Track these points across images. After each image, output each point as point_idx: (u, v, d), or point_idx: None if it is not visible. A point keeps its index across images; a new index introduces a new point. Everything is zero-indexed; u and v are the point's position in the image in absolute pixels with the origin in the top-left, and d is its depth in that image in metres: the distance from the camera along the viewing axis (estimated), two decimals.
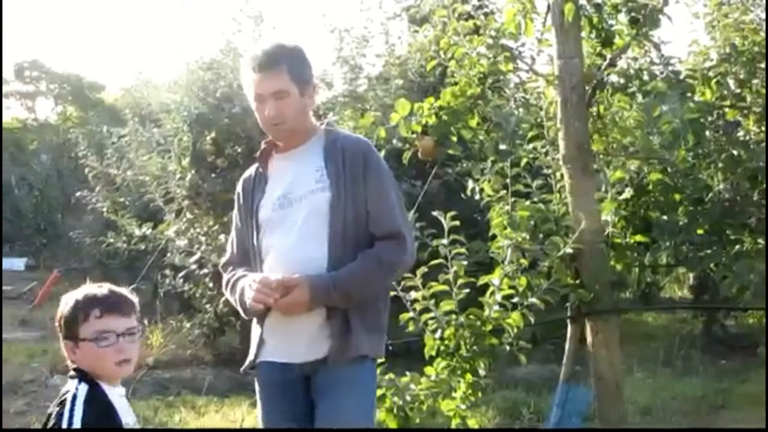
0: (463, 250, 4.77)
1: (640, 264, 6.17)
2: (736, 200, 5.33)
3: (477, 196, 5.42)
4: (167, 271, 9.46)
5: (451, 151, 5.83)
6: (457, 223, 4.74)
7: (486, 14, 6.41)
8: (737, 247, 5.23)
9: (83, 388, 2.61)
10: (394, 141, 6.01)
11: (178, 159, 9.40)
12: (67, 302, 2.72)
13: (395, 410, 4.38)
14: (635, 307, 9.96)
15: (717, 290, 5.72)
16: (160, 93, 10.99)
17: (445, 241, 4.72)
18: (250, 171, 3.44)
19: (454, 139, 5.98)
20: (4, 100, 25.67)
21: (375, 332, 3.26)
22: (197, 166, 9.35)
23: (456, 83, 5.91)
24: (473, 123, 5.96)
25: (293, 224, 3.15)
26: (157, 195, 9.33)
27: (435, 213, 4.77)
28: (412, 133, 5.86)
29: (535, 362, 7.32)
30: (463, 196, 5.88)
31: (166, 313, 9.96)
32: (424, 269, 4.70)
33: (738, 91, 5.72)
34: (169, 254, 9.32)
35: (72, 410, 2.53)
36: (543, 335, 7.38)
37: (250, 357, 3.45)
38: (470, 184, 5.49)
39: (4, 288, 13.19)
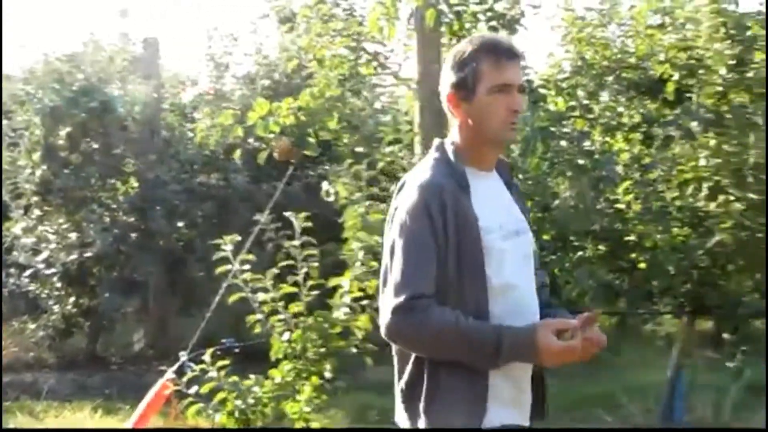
0: (315, 252, 4.72)
1: None
2: (579, 208, 5.50)
3: (332, 198, 5.39)
4: (12, 270, 9.07)
5: (308, 153, 5.81)
6: (310, 224, 4.69)
7: (348, 17, 6.44)
8: (579, 253, 5.41)
9: None
10: (251, 140, 5.94)
11: (28, 153, 9.03)
12: None
13: (237, 413, 4.30)
14: None
15: (559, 295, 5.88)
16: (13, 84, 10.51)
17: (296, 242, 4.66)
18: (443, 178, 2.43)
19: (312, 140, 5.97)
20: None
21: None
22: (49, 161, 8.99)
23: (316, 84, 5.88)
24: (332, 125, 5.95)
25: (519, 260, 2.49)
26: (5, 190, 8.94)
27: (287, 214, 4.71)
28: (270, 133, 5.78)
29: (390, 364, 7.33)
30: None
31: (9, 314, 9.52)
32: (274, 271, 4.64)
33: (587, 102, 5.91)
34: (14, 252, 8.94)
35: None
36: None
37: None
38: (325, 186, 5.46)
39: None
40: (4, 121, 9.52)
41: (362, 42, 6.18)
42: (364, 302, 4.65)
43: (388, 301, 2.37)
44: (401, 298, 2.34)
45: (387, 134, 6.02)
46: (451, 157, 2.45)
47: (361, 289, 4.66)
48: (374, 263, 4.78)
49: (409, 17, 5.95)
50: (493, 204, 2.46)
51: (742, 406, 6.38)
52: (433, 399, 2.39)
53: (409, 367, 2.42)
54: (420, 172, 2.47)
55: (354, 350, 4.58)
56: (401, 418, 2.45)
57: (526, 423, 2.46)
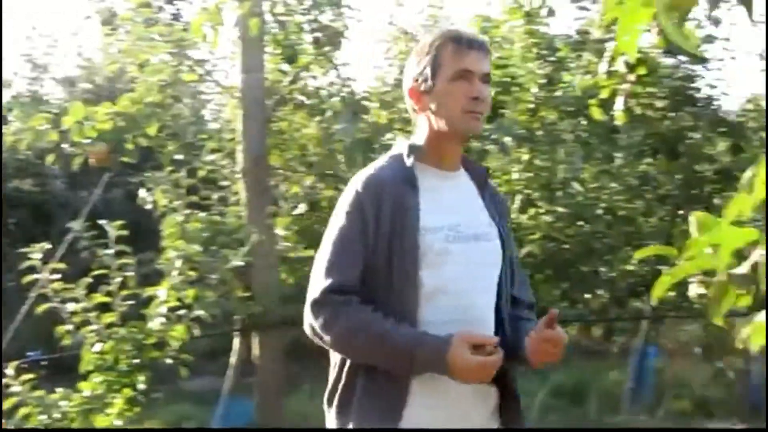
0: (130, 261, 4.60)
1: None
2: None
3: (149, 206, 5.27)
4: None
5: (125, 159, 5.67)
6: (126, 232, 4.56)
7: (173, 21, 6.33)
8: None
9: None
10: (65, 146, 5.72)
11: None
12: None
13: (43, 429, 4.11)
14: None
15: None
16: None
17: (110, 251, 4.51)
18: (386, 174, 2.35)
19: (131, 146, 5.82)
20: None
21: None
22: None
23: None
24: (152, 131, 5.82)
25: (468, 266, 2.35)
26: None
27: (101, 222, 4.56)
28: (87, 138, 5.59)
29: (212, 375, 7.25)
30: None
31: None
32: (88, 280, 4.48)
33: (407, 115, 6.03)
34: None
35: None
36: (222, 348, 7.33)
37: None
38: (142, 193, 5.33)
39: None
40: None
41: (186, 48, 6.07)
42: (181, 312, 4.56)
43: (307, 295, 2.28)
44: (316, 293, 2.25)
45: (208, 142, 5.94)
46: (405, 153, 2.34)
47: (178, 299, 4.57)
48: (192, 272, 4.71)
49: (234, 25, 5.89)
50: (447, 204, 2.36)
51: (549, 409, 6.70)
52: (348, 403, 2.29)
53: (332, 370, 2.32)
54: (368, 168, 2.38)
55: (169, 361, 4.49)
56: (329, 424, 2.32)
57: None
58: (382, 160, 2.39)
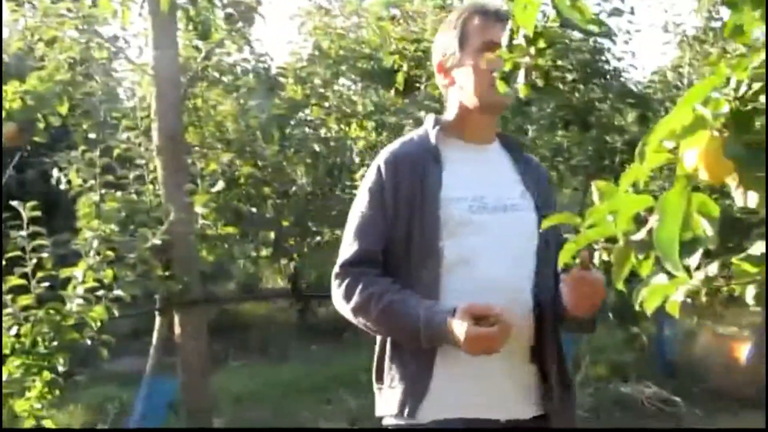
0: (45, 242, 4.53)
1: (244, 255, 6.35)
2: (317, 194, 5.65)
3: (63, 186, 5.19)
4: None
5: (37, 138, 5.56)
6: (39, 213, 4.49)
7: None
8: (318, 238, 5.57)
9: None
10: None
11: None
12: None
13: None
14: (225, 298, 10.08)
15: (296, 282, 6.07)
16: None
17: (23, 232, 4.43)
18: (408, 149, 2.36)
19: (42, 125, 5.70)
20: None
21: None
22: None
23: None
24: (63, 110, 5.71)
25: (494, 237, 2.27)
26: None
27: (13, 203, 4.48)
28: None
29: (136, 355, 7.19)
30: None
31: None
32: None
33: (323, 90, 6.06)
34: None
35: None
36: (145, 328, 7.28)
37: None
38: (56, 173, 5.24)
39: None
40: None
41: (95, 25, 5.96)
42: (100, 292, 4.53)
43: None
44: (336, 267, 2.28)
45: (122, 120, 5.86)
46: (430, 127, 2.36)
47: (96, 279, 4.53)
48: (110, 252, 4.67)
49: (142, 0, 5.80)
50: (472, 176, 2.34)
51: None
52: (381, 378, 2.32)
53: (376, 345, 2.35)
54: (393, 143, 2.41)
55: (89, 342, 4.45)
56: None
57: (502, 416, 2.24)
58: (409, 135, 2.43)
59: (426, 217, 2.25)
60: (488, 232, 2.25)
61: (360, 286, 2.22)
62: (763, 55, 1.12)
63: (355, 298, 2.22)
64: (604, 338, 7.00)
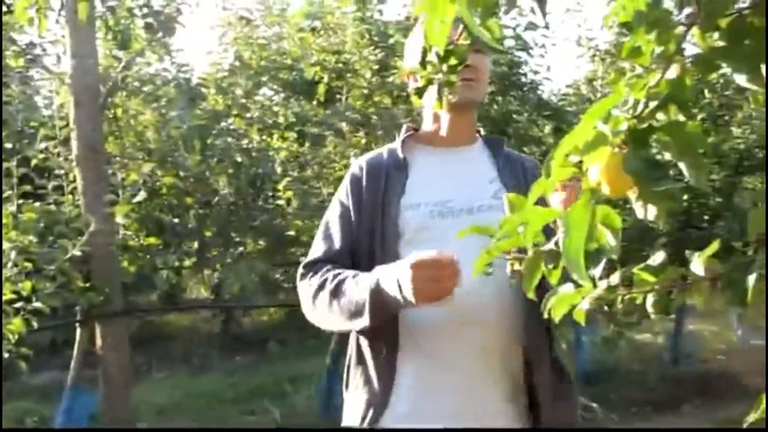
0: None
1: (166, 265, 6.29)
2: (240, 204, 5.63)
3: None
4: None
5: None
6: None
7: None
8: (240, 248, 5.55)
9: None
10: None
11: None
12: None
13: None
14: (147, 309, 9.89)
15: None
16: None
17: None
18: (378, 157, 2.37)
19: None
20: None
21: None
22: None
23: None
24: None
25: (458, 240, 1.95)
26: None
27: None
28: None
29: (56, 369, 7.06)
30: None
31: None
32: None
33: (244, 101, 6.05)
34: None
35: None
36: (65, 340, 7.14)
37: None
38: None
39: None
40: None
41: (11, 33, 5.85)
42: (18, 305, 4.44)
43: None
44: (300, 267, 2.25)
45: (40, 130, 5.75)
46: (399, 136, 2.36)
47: (14, 291, 4.44)
48: (28, 264, 4.58)
49: (60, 9, 5.72)
50: (440, 180, 2.29)
51: None
52: (348, 384, 2.26)
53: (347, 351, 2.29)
54: (369, 153, 2.40)
55: (7, 355, 4.36)
56: None
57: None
58: (387, 146, 2.41)
59: (386, 226, 2.22)
60: (449, 236, 2.07)
61: (318, 274, 2.19)
62: (658, 75, 1.18)
63: (313, 284, 2.19)
64: None
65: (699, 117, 6.42)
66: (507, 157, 2.39)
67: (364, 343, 2.21)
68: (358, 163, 2.36)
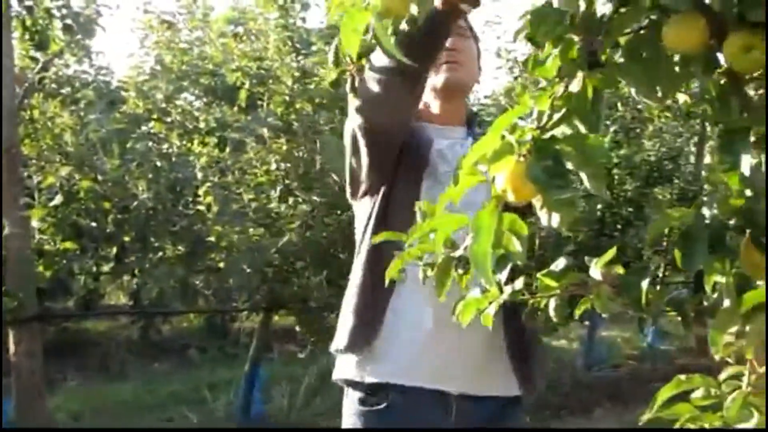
0: None
1: (83, 270, 6.17)
2: (159, 209, 5.55)
3: None
4: None
5: None
6: None
7: None
8: (160, 253, 5.47)
9: None
10: None
11: None
12: None
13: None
14: (63, 315, 9.65)
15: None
16: None
17: None
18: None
19: None
20: None
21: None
22: None
23: None
24: None
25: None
26: None
27: None
28: None
29: None
30: None
31: None
32: None
33: (165, 105, 5.98)
34: None
35: None
36: None
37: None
38: None
39: None
40: None
41: None
42: None
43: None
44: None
45: None
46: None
47: None
48: None
49: None
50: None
51: (313, 393, 6.86)
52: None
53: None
54: None
55: None
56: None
57: (452, 389, 2.15)
58: None
59: (425, 149, 2.29)
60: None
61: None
62: (561, 88, 1.23)
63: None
64: None
65: (612, 129, 6.59)
66: (477, 131, 2.40)
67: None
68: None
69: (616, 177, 6.75)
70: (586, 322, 7.75)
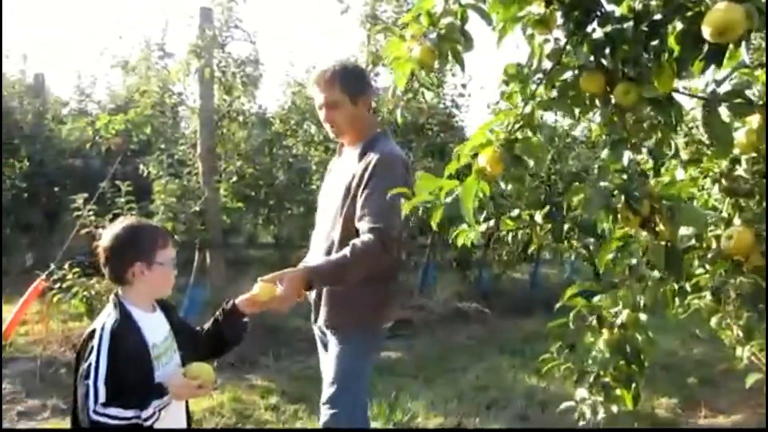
0: None
1: (247, 220, 6.09)
2: (289, 186, 5.48)
3: None
4: None
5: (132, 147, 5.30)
6: None
7: (161, 70, 5.93)
8: (290, 212, 5.41)
9: (114, 316, 1.60)
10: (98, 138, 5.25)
11: None
12: (132, 230, 1.65)
13: (84, 299, 3.75)
14: (236, 244, 9.38)
15: None
16: None
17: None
18: None
19: (135, 140, 5.46)
20: None
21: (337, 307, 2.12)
22: None
23: None
24: (147, 131, 5.47)
25: (325, 213, 2.13)
26: None
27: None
28: (109, 134, 5.16)
29: None
30: None
31: None
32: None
33: (295, 128, 5.92)
34: None
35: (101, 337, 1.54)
36: None
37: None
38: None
39: None
40: None
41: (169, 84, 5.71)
42: None
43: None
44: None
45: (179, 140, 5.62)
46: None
47: None
48: None
49: (195, 71, 5.61)
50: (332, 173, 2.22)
51: None
52: None
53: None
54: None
55: None
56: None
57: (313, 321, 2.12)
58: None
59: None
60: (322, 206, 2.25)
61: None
62: (519, 110, 1.19)
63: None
64: (450, 276, 6.99)
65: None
66: (365, 153, 2.04)
67: None
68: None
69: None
70: (533, 264, 7.60)
